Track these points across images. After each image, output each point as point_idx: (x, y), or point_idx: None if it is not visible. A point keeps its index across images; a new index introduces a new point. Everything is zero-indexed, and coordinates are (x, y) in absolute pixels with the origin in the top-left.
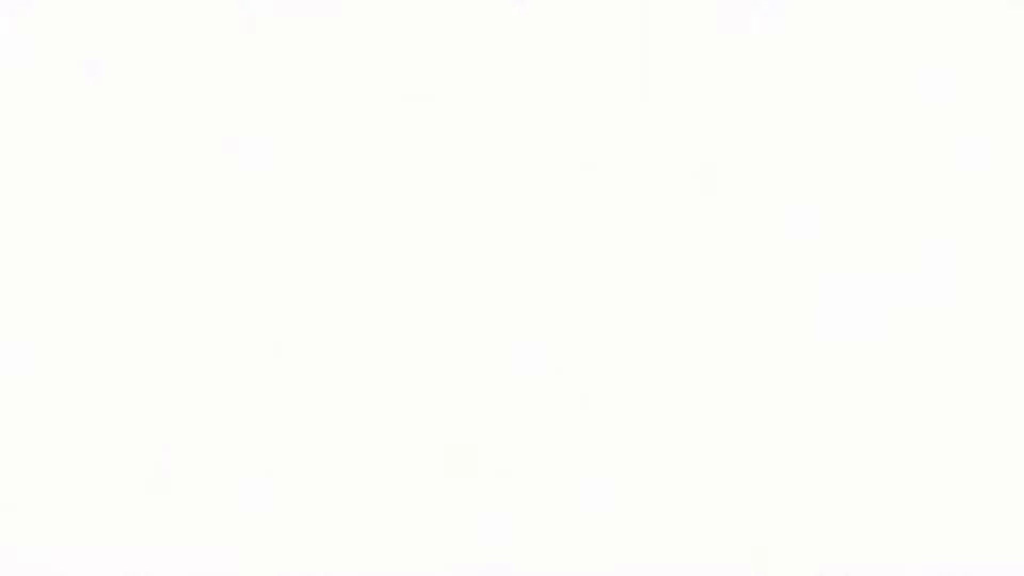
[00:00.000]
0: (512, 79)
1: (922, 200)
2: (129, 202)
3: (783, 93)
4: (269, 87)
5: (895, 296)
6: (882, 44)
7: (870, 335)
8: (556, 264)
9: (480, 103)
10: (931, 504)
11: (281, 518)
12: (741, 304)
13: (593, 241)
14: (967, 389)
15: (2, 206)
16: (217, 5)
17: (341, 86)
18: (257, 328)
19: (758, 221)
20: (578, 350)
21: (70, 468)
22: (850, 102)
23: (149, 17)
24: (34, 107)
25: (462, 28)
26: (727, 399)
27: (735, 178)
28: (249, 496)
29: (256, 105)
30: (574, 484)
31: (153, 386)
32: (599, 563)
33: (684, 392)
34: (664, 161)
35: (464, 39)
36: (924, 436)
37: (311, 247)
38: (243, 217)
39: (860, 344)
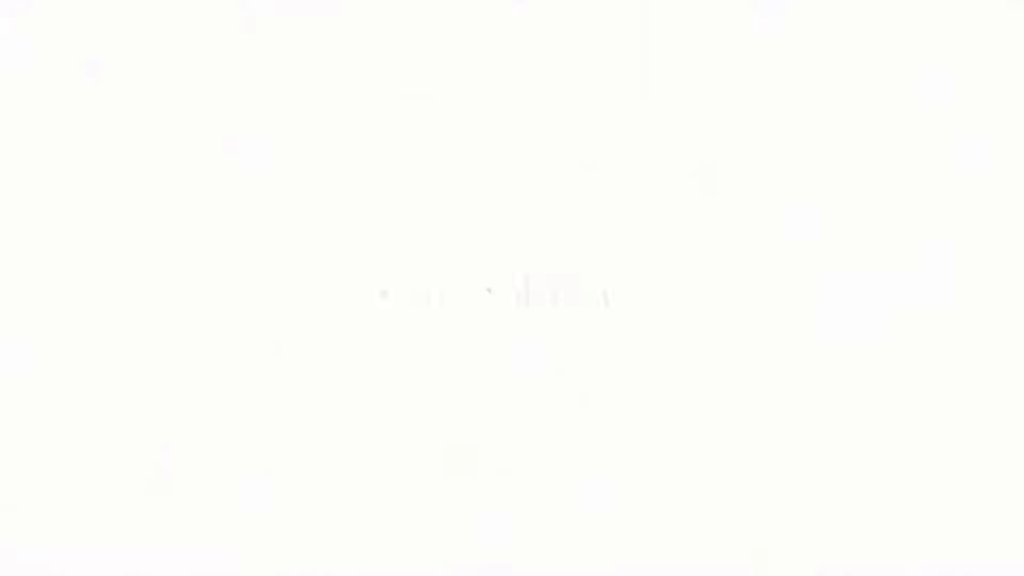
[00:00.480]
0: (512, 79)
1: (922, 200)
2: (129, 202)
3: (783, 93)
4: (269, 87)
5: (895, 296)
6: (882, 44)
7: (870, 335)
8: (556, 264)
9: (480, 103)
10: (931, 504)
11: (281, 518)
12: (741, 304)
13: (593, 241)
14: (967, 389)
15: (1, 206)
16: (217, 5)
17: (341, 86)
18: (257, 328)
19: (758, 221)
20: (578, 350)
21: (70, 468)
22: (850, 102)
23: (149, 17)
24: (34, 107)
25: (462, 28)
26: (727, 399)
27: (735, 178)
28: (249, 496)
29: (256, 105)
30: (574, 484)
31: (153, 386)
32: (599, 563)
33: (684, 392)
34: (664, 161)
35: (464, 39)
36: (924, 436)
37: (311, 247)
38: (243, 217)
39: (860, 344)
